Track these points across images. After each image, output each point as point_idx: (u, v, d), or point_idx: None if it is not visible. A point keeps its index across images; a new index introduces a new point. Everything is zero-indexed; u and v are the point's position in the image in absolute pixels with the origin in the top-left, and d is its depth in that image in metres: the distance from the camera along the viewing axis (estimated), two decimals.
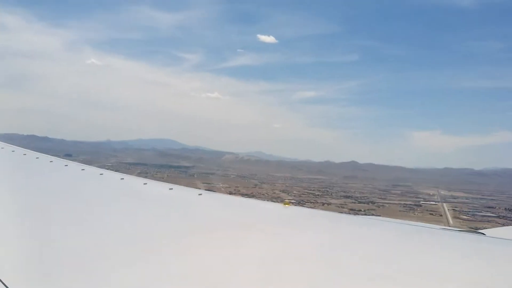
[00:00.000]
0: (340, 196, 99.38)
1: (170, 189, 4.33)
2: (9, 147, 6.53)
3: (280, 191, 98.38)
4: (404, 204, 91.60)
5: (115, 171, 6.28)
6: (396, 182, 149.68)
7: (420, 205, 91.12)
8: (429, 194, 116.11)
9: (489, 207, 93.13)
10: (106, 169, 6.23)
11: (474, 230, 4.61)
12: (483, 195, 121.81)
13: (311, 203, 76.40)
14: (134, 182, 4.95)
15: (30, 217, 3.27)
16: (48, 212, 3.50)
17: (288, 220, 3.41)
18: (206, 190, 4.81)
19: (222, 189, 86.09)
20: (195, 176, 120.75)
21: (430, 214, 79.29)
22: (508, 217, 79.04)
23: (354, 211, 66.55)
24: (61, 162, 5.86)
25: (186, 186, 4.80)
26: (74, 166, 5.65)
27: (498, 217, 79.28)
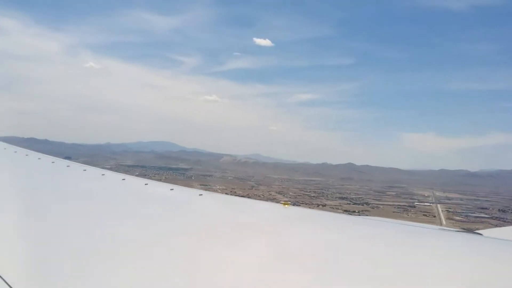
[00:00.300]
0: (336, 197, 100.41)
1: (171, 189, 4.41)
2: (12, 148, 6.61)
3: (276, 192, 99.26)
4: (398, 205, 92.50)
5: None
6: (392, 183, 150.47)
7: (414, 206, 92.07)
8: (423, 196, 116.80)
9: (482, 208, 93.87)
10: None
11: (471, 230, 4.68)
12: (477, 197, 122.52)
13: (306, 204, 77.09)
14: (135, 182, 5.03)
15: (34, 217, 3.31)
16: (53, 212, 3.54)
17: (288, 220, 3.44)
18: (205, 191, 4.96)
19: (219, 190, 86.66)
20: (193, 178, 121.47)
21: (423, 215, 79.89)
22: (501, 218, 79.77)
23: (348, 212, 67.33)
24: (63, 163, 5.96)
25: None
26: (76, 167, 5.70)
27: (491, 218, 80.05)
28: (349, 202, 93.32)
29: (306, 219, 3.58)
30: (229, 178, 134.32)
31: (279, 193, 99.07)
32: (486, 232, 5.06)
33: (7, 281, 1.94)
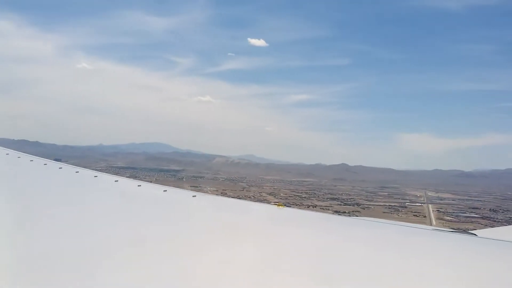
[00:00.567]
0: (327, 198, 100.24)
1: (164, 191, 4.45)
2: (4, 150, 6.53)
3: (267, 193, 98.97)
4: (389, 205, 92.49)
5: None
6: (385, 184, 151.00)
7: (405, 207, 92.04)
8: (416, 196, 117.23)
9: (473, 208, 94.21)
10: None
11: (465, 231, 4.77)
12: (470, 196, 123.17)
13: (296, 205, 76.90)
14: (128, 184, 5.02)
15: (30, 220, 3.26)
16: (49, 215, 3.48)
17: (282, 221, 3.46)
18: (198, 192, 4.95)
19: (209, 192, 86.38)
20: (184, 179, 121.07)
21: (414, 215, 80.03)
22: (492, 217, 79.99)
23: (338, 213, 66.99)
24: (56, 165, 5.92)
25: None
26: (69, 169, 5.66)
27: (482, 217, 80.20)
28: (340, 202, 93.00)
29: (300, 220, 3.64)
30: (221, 179, 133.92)
31: (270, 194, 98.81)
32: (480, 232, 5.06)
33: (2, 285, 1.91)
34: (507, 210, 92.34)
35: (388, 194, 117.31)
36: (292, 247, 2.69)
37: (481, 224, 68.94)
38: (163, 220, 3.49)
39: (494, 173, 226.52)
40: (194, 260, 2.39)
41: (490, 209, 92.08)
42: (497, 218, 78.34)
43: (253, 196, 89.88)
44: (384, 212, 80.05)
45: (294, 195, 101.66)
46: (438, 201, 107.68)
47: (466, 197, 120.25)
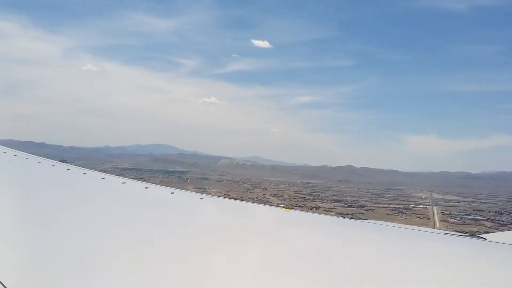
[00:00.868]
0: (331, 200, 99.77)
1: (171, 193, 4.47)
2: (12, 152, 6.58)
3: (271, 195, 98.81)
4: (394, 207, 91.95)
5: None
6: (390, 186, 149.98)
7: (410, 209, 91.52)
8: (421, 198, 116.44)
9: (479, 210, 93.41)
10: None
11: (474, 234, 4.72)
12: (476, 198, 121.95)
13: (299, 207, 76.85)
14: (135, 186, 5.07)
15: (40, 221, 3.28)
16: (59, 216, 3.51)
17: (290, 224, 3.48)
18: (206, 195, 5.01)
19: (213, 193, 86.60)
20: (188, 181, 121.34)
21: (418, 217, 79.66)
22: (497, 220, 79.27)
23: (341, 215, 66.82)
24: (63, 166, 5.94)
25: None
26: (76, 171, 5.70)
27: (487, 220, 79.51)
28: (343, 204, 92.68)
29: (308, 223, 3.64)
30: (225, 181, 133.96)
31: (274, 195, 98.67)
32: (490, 236, 5.04)
33: (7, 285, 1.93)
34: None
35: (393, 196, 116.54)
36: (300, 250, 2.71)
37: (486, 227, 68.48)
38: (172, 222, 3.52)
39: (501, 175, 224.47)
40: (204, 263, 2.41)
41: (495, 212, 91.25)
42: (502, 221, 77.65)
43: (256, 197, 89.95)
44: (388, 214, 79.66)
45: (298, 196, 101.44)
46: (443, 203, 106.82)
47: (472, 199, 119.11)
